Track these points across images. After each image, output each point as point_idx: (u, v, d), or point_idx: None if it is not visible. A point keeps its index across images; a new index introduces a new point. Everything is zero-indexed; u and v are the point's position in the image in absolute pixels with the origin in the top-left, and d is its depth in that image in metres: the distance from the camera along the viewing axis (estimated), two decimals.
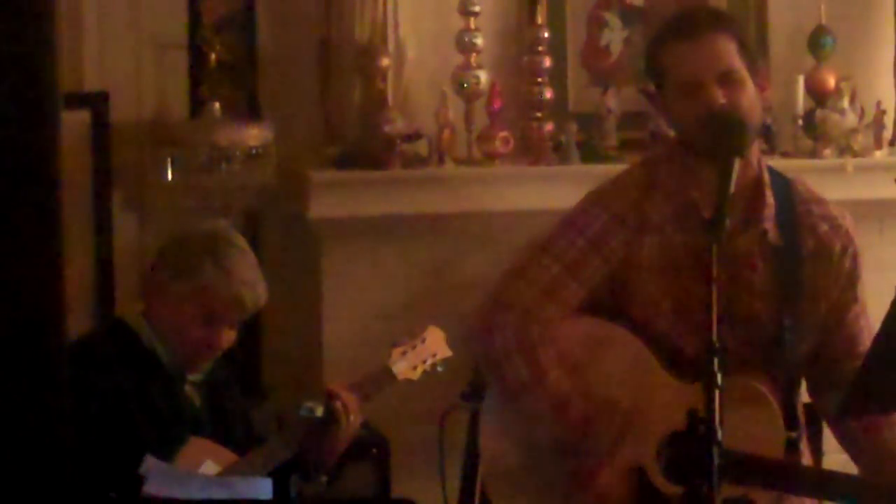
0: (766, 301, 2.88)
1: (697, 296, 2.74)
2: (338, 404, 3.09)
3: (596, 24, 5.07)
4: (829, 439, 3.48)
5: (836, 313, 2.96)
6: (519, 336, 2.87)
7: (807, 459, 3.00)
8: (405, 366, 3.26)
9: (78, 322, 3.86)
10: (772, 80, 4.40)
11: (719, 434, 2.34)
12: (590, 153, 4.85)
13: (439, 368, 3.31)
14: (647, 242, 2.89)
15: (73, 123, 4.59)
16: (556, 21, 4.97)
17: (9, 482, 1.40)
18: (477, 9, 4.78)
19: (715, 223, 2.50)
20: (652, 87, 3.01)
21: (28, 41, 1.38)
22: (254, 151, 4.64)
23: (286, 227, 4.88)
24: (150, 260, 3.26)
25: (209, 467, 3.00)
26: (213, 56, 4.81)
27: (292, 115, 4.88)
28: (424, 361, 3.30)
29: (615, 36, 5.08)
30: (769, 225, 2.90)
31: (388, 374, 3.25)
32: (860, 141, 4.93)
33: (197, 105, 4.82)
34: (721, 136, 2.73)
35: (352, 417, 3.11)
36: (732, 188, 2.59)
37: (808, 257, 2.92)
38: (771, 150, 4.79)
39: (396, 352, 3.28)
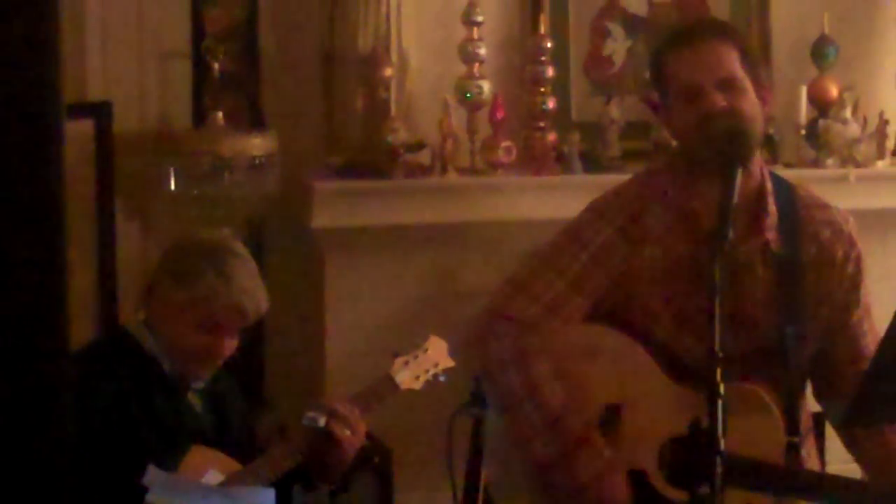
0: (768, 309, 2.88)
1: (697, 305, 2.77)
2: (333, 422, 3.08)
3: (599, 34, 5.07)
4: (830, 451, 3.48)
5: (839, 317, 2.96)
6: (516, 347, 2.88)
7: (813, 466, 3.01)
8: (407, 376, 3.26)
9: (81, 331, 3.86)
10: (774, 89, 4.40)
11: (722, 444, 2.34)
12: (593, 163, 4.85)
13: (441, 378, 3.31)
14: (649, 253, 2.90)
15: (77, 133, 4.60)
16: (559, 31, 4.98)
17: (10, 491, 1.40)
18: (480, 18, 4.79)
19: (718, 234, 2.51)
20: (655, 97, 3.02)
21: (31, 51, 1.38)
22: (257, 161, 4.64)
23: (289, 236, 4.88)
24: (151, 269, 3.26)
25: (212, 476, 3.00)
26: (216, 66, 4.82)
27: (295, 124, 4.89)
28: (426, 371, 3.30)
29: (618, 46, 5.08)
30: (771, 235, 2.90)
31: (391, 383, 3.25)
32: (863, 151, 4.93)
33: (200, 115, 4.83)
34: (721, 140, 2.74)
35: (352, 430, 3.10)
36: (735, 199, 2.61)
37: (810, 264, 2.93)
38: (773, 159, 4.80)
39: (398, 362, 3.28)
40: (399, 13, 4.78)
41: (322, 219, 4.62)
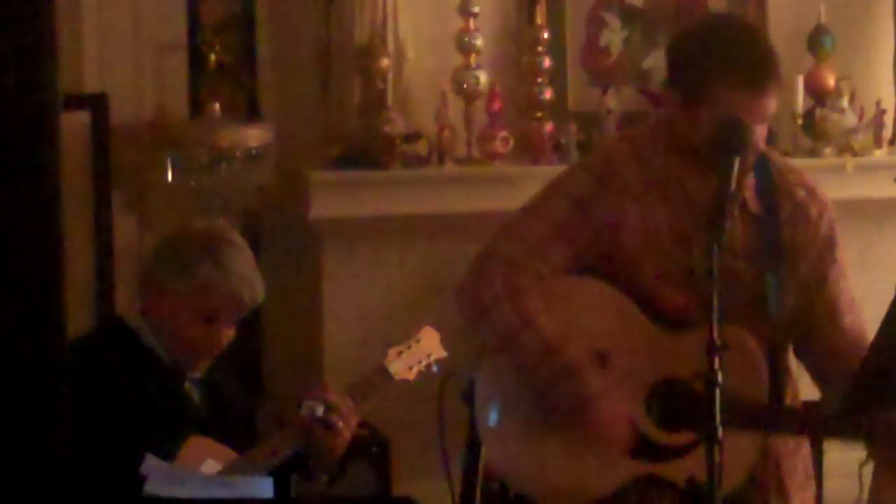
0: (748, 262, 2.98)
1: (676, 260, 2.95)
2: (329, 412, 3.08)
3: (595, 25, 5.07)
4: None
5: (816, 274, 3.06)
6: (506, 283, 2.97)
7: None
8: (401, 366, 3.26)
9: (78, 322, 3.86)
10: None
11: (720, 433, 2.48)
12: (589, 153, 4.85)
13: (434, 369, 3.31)
14: (629, 207, 2.98)
15: (73, 125, 4.60)
16: (556, 21, 4.98)
17: (9, 481, 1.40)
18: (476, 9, 4.79)
19: (715, 223, 2.64)
20: (658, 89, 3.05)
21: (28, 43, 1.38)
22: (254, 152, 4.64)
23: (286, 227, 4.89)
24: (147, 259, 3.26)
25: (210, 466, 3.00)
26: (212, 57, 4.82)
27: (292, 115, 4.89)
28: (420, 362, 3.31)
29: (615, 36, 5.08)
30: (748, 194, 2.99)
31: (385, 374, 3.25)
32: (860, 140, 4.94)
33: (197, 106, 4.83)
34: (729, 138, 2.85)
35: (344, 420, 3.10)
36: (733, 186, 2.74)
37: (786, 220, 3.03)
38: (770, 149, 4.79)
39: (392, 352, 3.29)
40: (395, 4, 4.78)
41: (319, 209, 4.63)
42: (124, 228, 4.82)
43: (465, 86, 4.77)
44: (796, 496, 3.09)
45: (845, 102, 4.93)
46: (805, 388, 3.17)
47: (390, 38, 4.79)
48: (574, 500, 3.03)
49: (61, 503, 1.43)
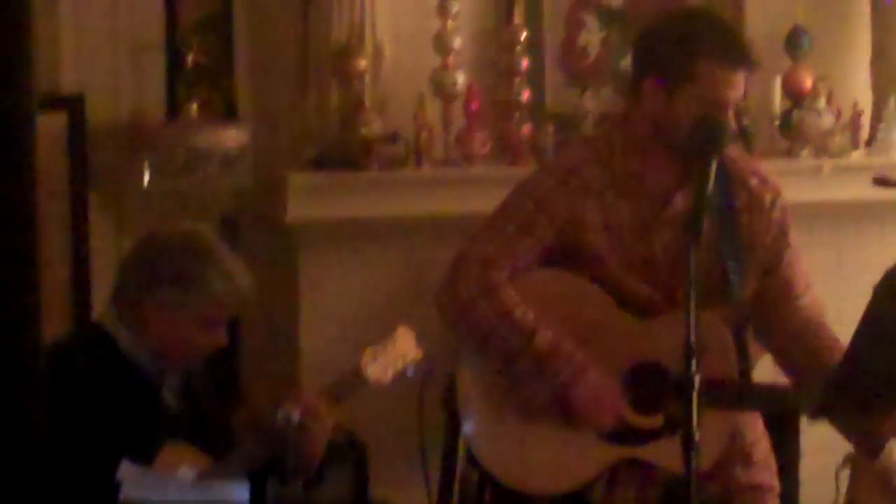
0: (709, 250, 3.09)
1: (639, 254, 3.15)
2: (306, 416, 3.06)
3: (574, 25, 5.07)
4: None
5: (771, 258, 3.24)
6: (480, 282, 3.14)
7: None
8: (377, 368, 3.22)
9: (54, 326, 3.84)
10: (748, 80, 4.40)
11: (697, 436, 2.54)
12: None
13: (409, 371, 3.27)
14: (590, 205, 3.15)
15: (50, 126, 4.58)
16: (534, 21, 4.97)
17: None
18: (454, 9, 4.78)
19: (692, 226, 2.75)
20: (640, 78, 3.12)
21: (4, 42, 1.37)
22: (231, 154, 4.62)
23: (263, 229, 4.87)
24: (127, 266, 3.16)
25: (186, 472, 2.99)
26: (190, 58, 4.80)
27: (269, 116, 4.87)
28: (395, 363, 3.28)
29: (593, 37, 5.08)
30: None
31: (360, 376, 3.22)
32: (837, 142, 4.94)
33: (174, 107, 4.81)
34: (708, 140, 3.00)
35: (320, 422, 3.08)
36: (710, 187, 2.88)
37: (742, 209, 3.21)
38: (748, 150, 4.80)
39: (367, 353, 3.26)
40: (373, 4, 4.77)
41: (296, 211, 4.61)
42: (101, 231, 4.79)
43: (443, 86, 4.76)
44: (762, 466, 3.25)
45: (822, 104, 4.94)
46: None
47: (368, 38, 4.77)
48: (556, 487, 3.14)
49: None
